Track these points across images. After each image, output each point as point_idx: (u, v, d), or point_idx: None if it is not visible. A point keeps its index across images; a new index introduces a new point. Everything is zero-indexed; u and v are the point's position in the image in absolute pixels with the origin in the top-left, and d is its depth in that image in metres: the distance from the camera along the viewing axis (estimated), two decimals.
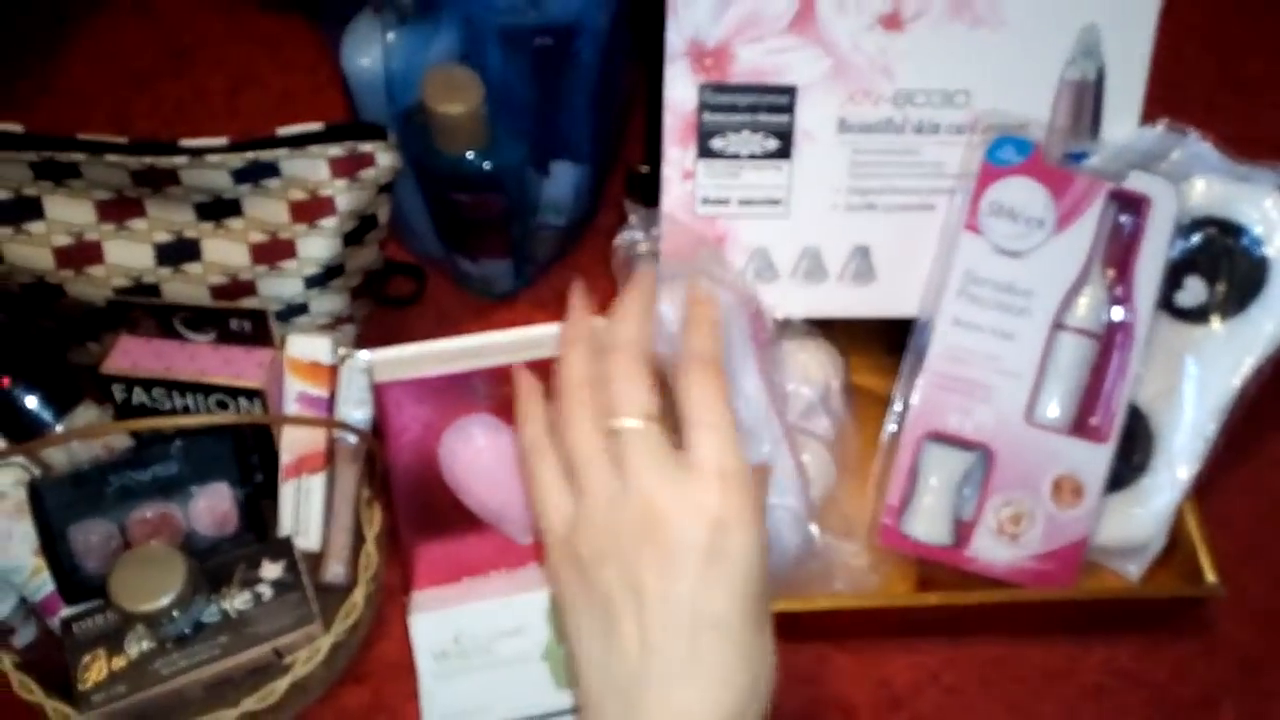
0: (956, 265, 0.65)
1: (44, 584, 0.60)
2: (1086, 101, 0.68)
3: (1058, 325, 0.65)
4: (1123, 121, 0.68)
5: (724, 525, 0.44)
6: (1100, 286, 0.65)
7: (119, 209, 0.62)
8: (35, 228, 0.61)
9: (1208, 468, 0.66)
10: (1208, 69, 0.94)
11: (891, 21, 0.66)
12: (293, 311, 0.66)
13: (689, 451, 0.46)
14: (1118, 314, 0.65)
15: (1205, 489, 0.71)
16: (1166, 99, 0.91)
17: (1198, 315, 0.66)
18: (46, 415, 0.62)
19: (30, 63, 0.87)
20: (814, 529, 0.63)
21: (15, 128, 0.60)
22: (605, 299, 0.77)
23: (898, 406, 0.67)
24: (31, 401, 0.62)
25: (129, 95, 0.86)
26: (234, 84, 0.87)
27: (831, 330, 0.71)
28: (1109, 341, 0.65)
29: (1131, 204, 0.65)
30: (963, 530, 0.65)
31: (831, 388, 0.69)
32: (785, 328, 0.69)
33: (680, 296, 0.62)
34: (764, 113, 0.67)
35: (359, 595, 0.62)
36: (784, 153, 0.68)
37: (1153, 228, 0.64)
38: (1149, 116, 0.68)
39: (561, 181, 0.73)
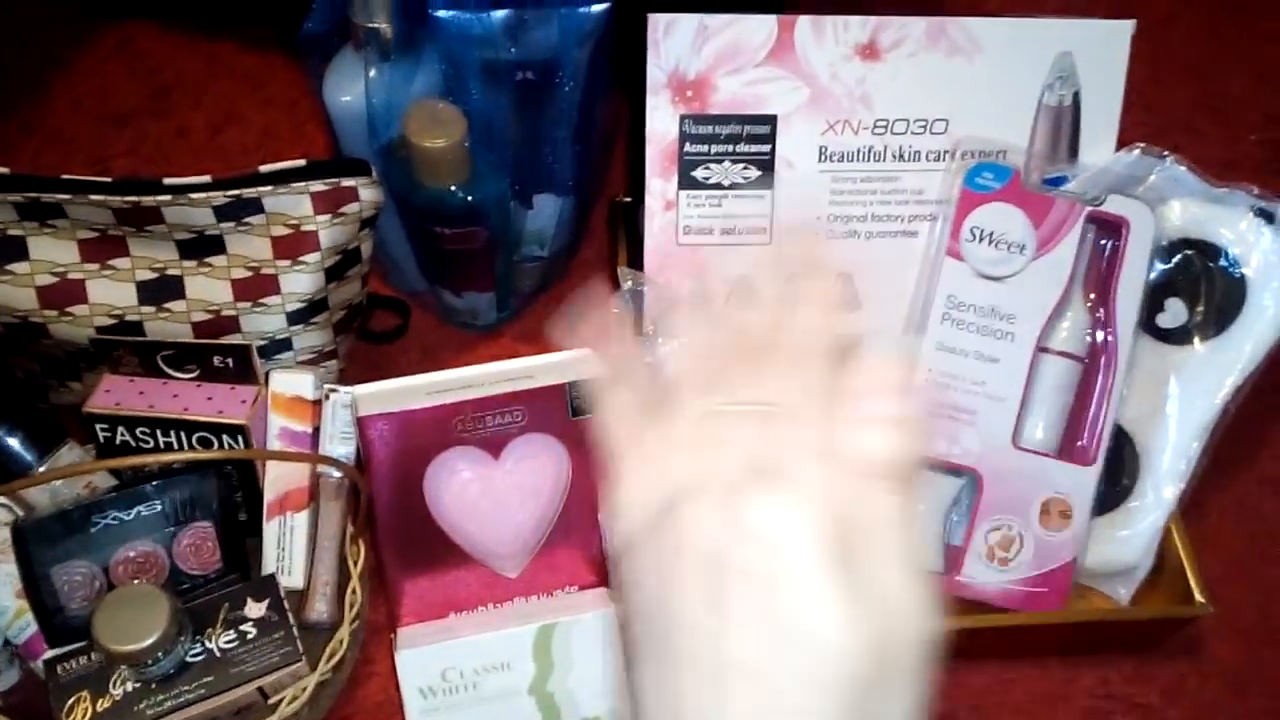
0: (939, 290, 0.65)
1: (27, 626, 0.59)
2: (1064, 127, 0.69)
3: (1041, 348, 0.65)
4: (1100, 146, 0.69)
5: None
6: (1082, 309, 0.65)
7: (102, 248, 0.62)
8: (19, 268, 0.61)
9: (1193, 488, 0.66)
10: (1187, 93, 0.95)
11: (869, 52, 0.67)
12: (276, 347, 0.66)
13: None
14: (1100, 336, 0.65)
15: (1192, 510, 0.71)
16: (1147, 123, 0.92)
17: (1179, 336, 0.66)
18: (29, 456, 0.62)
19: (13, 105, 0.87)
20: None
21: (1, 169, 0.60)
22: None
23: None
24: (13, 443, 0.61)
25: (111, 135, 0.86)
26: (215, 122, 0.87)
27: None
28: (1092, 364, 0.65)
29: (1110, 227, 0.65)
30: (953, 555, 0.65)
31: None
32: None
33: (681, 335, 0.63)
34: (745, 143, 0.68)
35: (344, 633, 0.61)
36: (765, 182, 0.68)
37: (1131, 250, 0.65)
38: (1128, 140, 0.69)
39: (544, 213, 0.73)
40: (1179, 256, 0.66)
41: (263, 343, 0.65)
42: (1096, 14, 0.68)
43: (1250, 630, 0.70)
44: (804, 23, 0.66)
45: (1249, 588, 0.72)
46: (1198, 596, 0.65)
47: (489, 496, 0.61)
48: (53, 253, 0.61)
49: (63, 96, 0.88)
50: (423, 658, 0.59)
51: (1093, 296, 0.66)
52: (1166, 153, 0.68)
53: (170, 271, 0.63)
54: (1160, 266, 0.66)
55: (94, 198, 0.59)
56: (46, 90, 0.88)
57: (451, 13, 0.62)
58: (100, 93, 0.88)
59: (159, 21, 0.91)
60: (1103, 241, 0.66)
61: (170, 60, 0.90)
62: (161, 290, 0.63)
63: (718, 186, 0.68)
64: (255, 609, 0.60)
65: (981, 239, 0.65)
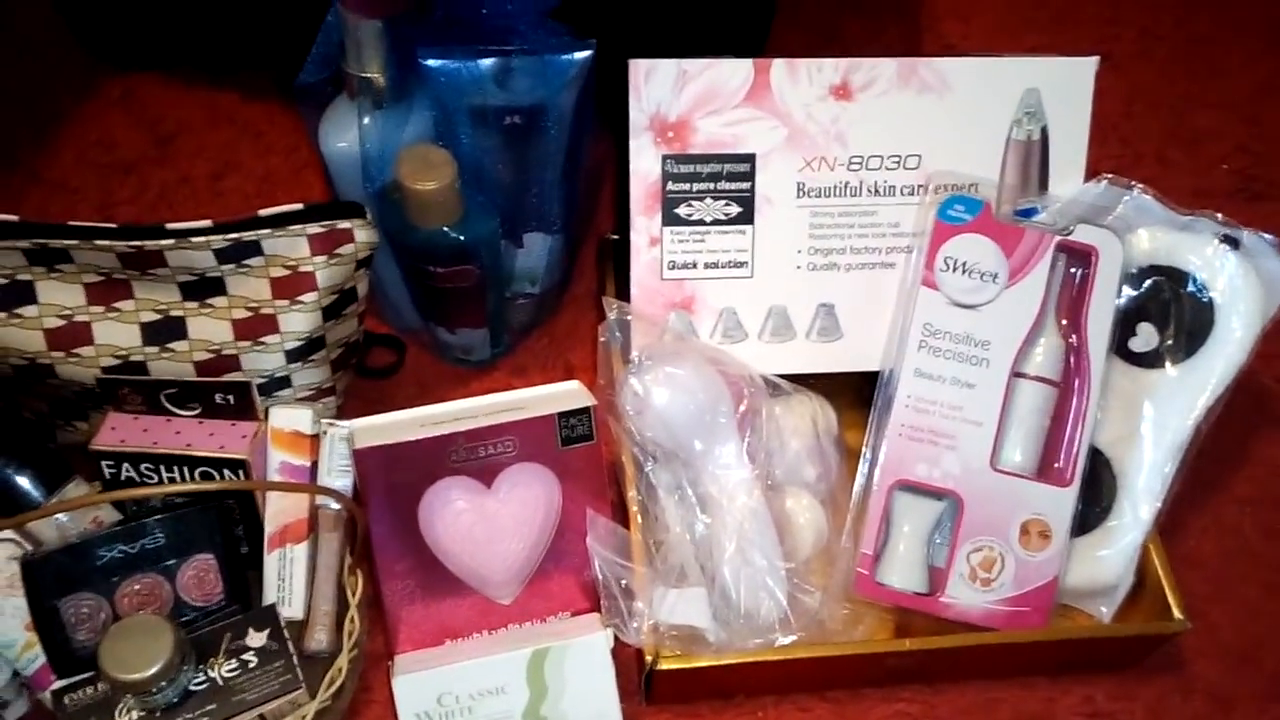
0: (916, 319, 0.68)
1: (36, 658, 0.61)
2: (1033, 160, 0.71)
3: (1016, 374, 0.67)
4: (1069, 177, 0.72)
5: None
6: (1055, 335, 0.68)
7: (108, 291, 0.65)
8: (28, 311, 0.64)
9: (1172, 508, 0.68)
10: (1159, 125, 0.98)
11: (842, 92, 0.69)
12: (275, 384, 0.68)
13: None
14: (1073, 361, 0.67)
15: (1173, 530, 0.73)
16: (1121, 155, 0.96)
17: (1152, 360, 0.68)
18: (37, 494, 0.64)
19: (21, 155, 0.90)
20: (781, 596, 0.64)
21: (10, 218, 0.62)
22: (581, 363, 0.81)
23: (867, 457, 0.69)
24: (22, 480, 0.63)
25: (115, 183, 0.89)
26: (216, 169, 0.90)
27: (812, 388, 0.73)
28: (1066, 387, 0.68)
29: (1080, 255, 0.68)
30: (937, 577, 0.67)
31: (820, 439, 0.71)
32: (774, 388, 0.71)
33: (668, 377, 0.65)
34: (725, 181, 0.70)
35: (343, 661, 0.63)
36: (746, 218, 0.71)
37: (1101, 277, 0.67)
38: (1103, 171, 0.71)
39: (535, 252, 0.75)
40: (1149, 283, 0.69)
41: (262, 380, 0.68)
42: (1070, 51, 0.71)
43: (1231, 647, 0.72)
44: (779, 65, 0.69)
45: (1229, 605, 0.73)
46: (1176, 614, 0.66)
47: (483, 525, 0.63)
48: (60, 296, 0.64)
49: (69, 147, 0.91)
50: (419, 683, 0.60)
51: (1065, 322, 0.68)
52: (1133, 183, 0.70)
53: (173, 313, 0.65)
54: (1131, 293, 0.68)
55: (99, 243, 0.62)
56: (53, 141, 0.91)
57: (441, 61, 0.65)
58: (105, 143, 0.91)
59: (162, 73, 0.94)
60: (1073, 269, 0.68)
61: (172, 110, 0.93)
62: (165, 331, 0.65)
63: (700, 223, 0.71)
64: (256, 638, 0.61)
65: (955, 269, 0.67)
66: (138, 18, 0.90)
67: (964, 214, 0.68)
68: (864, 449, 0.69)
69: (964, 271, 0.67)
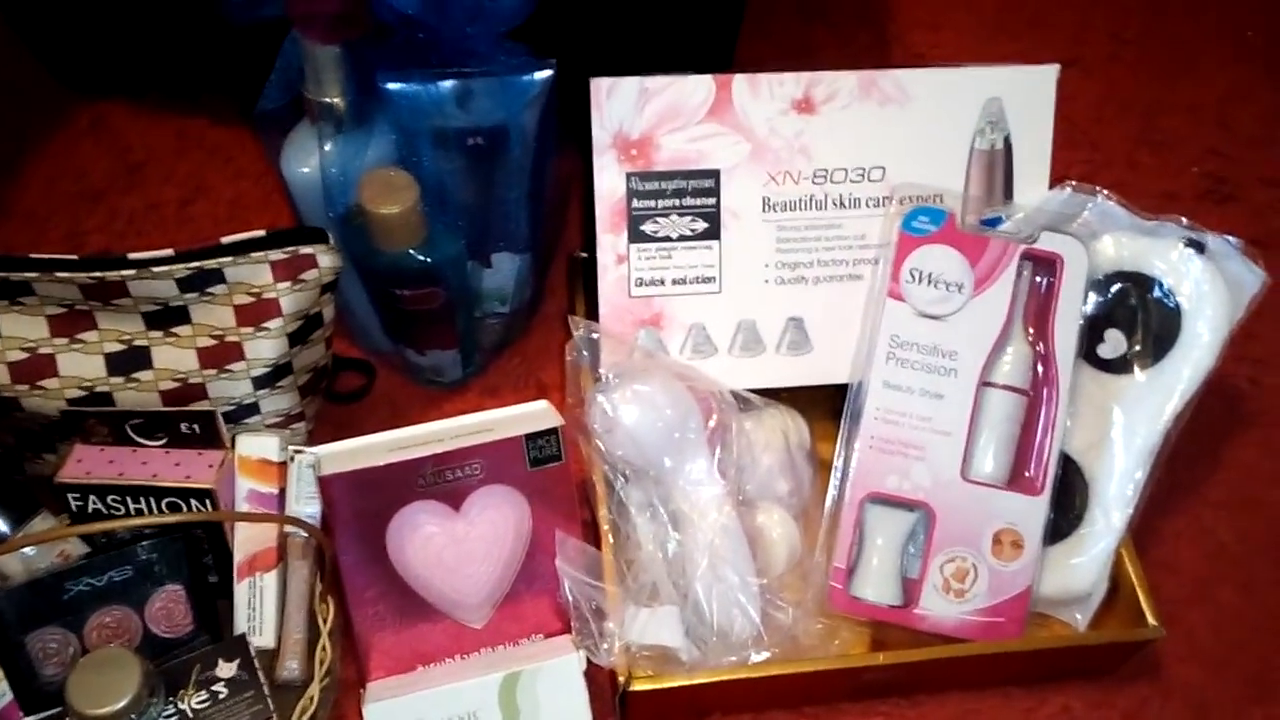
0: (883, 331, 0.68)
1: (3, 694, 0.60)
2: (997, 169, 0.72)
3: (985, 383, 0.67)
4: (1033, 185, 0.72)
5: None
6: (1022, 343, 0.68)
7: (71, 322, 0.64)
8: None
9: (1147, 513, 0.68)
10: (1129, 129, 0.98)
11: (804, 105, 0.70)
12: (244, 412, 0.68)
13: None
14: (1041, 369, 0.67)
15: (1149, 535, 0.73)
16: (1091, 160, 0.96)
17: (1120, 366, 0.68)
18: (3, 527, 0.63)
19: None
20: (754, 612, 0.63)
21: None
22: (553, 382, 0.80)
23: (838, 470, 0.68)
24: None
25: (84, 212, 0.88)
26: (185, 194, 0.90)
27: (785, 401, 0.73)
28: (1035, 395, 0.68)
29: (1045, 263, 0.68)
30: (911, 589, 0.67)
31: (793, 453, 0.71)
32: (745, 403, 0.70)
33: (636, 394, 0.65)
34: (690, 196, 0.70)
35: (315, 690, 0.62)
36: (712, 233, 0.71)
37: (1066, 284, 0.67)
38: (1073, 176, 0.71)
39: (503, 271, 0.75)
40: (1115, 289, 0.69)
41: (230, 408, 0.67)
42: (1040, 57, 0.71)
43: (1209, 651, 0.71)
44: (740, 81, 0.69)
45: (1206, 609, 0.73)
46: (1150, 620, 0.66)
47: (452, 549, 0.63)
48: (23, 329, 0.64)
49: (37, 176, 0.91)
50: (390, 711, 0.60)
51: (1032, 331, 0.68)
52: (1098, 189, 0.70)
53: (137, 342, 0.65)
54: (1098, 299, 0.68)
55: (60, 275, 0.62)
56: (21, 171, 0.91)
57: (401, 85, 0.65)
58: (73, 171, 0.91)
59: (130, 99, 0.94)
60: (1038, 277, 0.68)
61: (141, 137, 0.93)
62: (130, 361, 0.65)
63: (666, 239, 0.71)
64: (226, 669, 0.61)
65: (921, 280, 0.68)
66: (105, 44, 0.89)
67: (928, 225, 0.68)
68: (835, 462, 0.69)
69: (930, 282, 0.67)
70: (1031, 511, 0.66)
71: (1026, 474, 0.67)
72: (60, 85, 0.94)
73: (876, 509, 0.67)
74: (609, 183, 0.70)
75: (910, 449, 0.67)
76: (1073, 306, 0.67)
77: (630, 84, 0.68)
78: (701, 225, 0.71)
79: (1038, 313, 0.68)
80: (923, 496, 0.66)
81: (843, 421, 0.69)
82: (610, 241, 0.70)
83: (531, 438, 0.63)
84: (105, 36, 0.88)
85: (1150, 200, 0.70)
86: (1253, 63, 1.03)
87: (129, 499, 0.64)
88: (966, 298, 0.67)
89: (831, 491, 0.69)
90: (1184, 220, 0.69)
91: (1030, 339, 0.68)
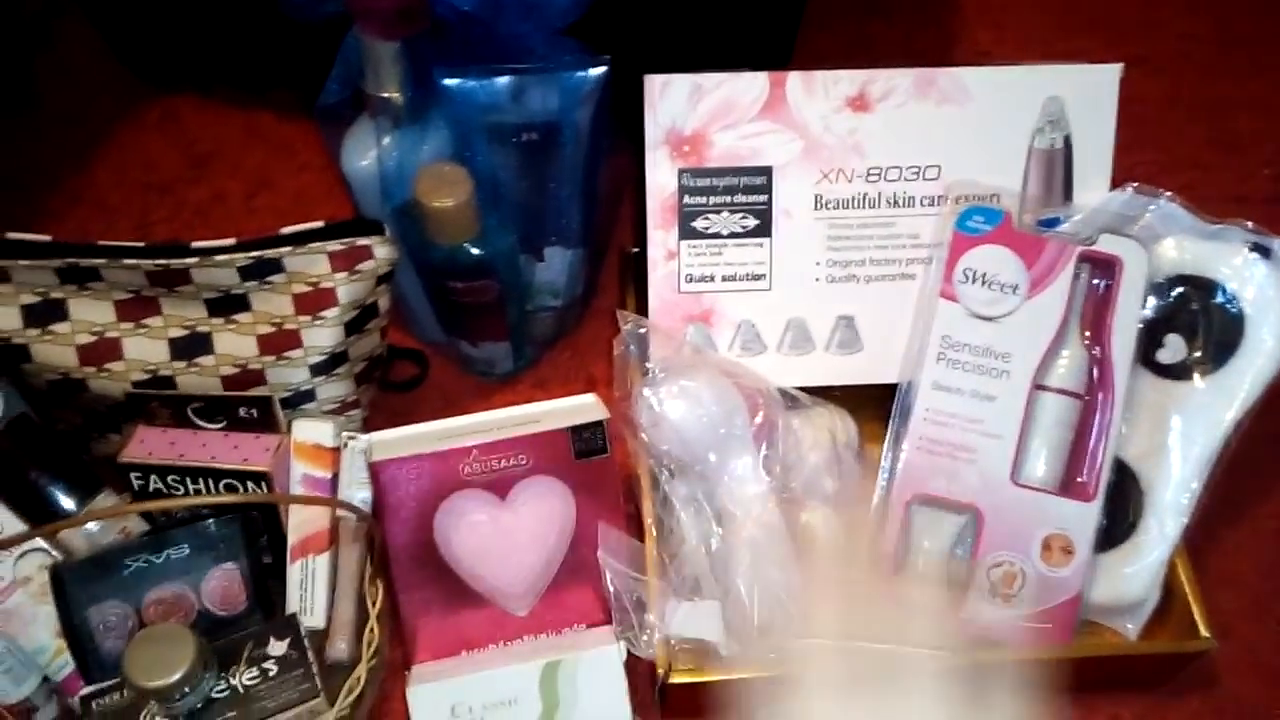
0: (934, 332, 0.67)
1: (65, 664, 0.63)
2: (1056, 169, 0.71)
3: (1038, 386, 0.66)
4: (1094, 186, 0.71)
5: None
6: (1078, 346, 0.67)
7: (137, 308, 0.67)
8: (60, 328, 0.66)
9: (1206, 523, 0.66)
10: (1198, 129, 0.96)
11: (859, 103, 0.69)
12: (300, 398, 0.70)
13: None
14: (1097, 373, 0.66)
15: (1208, 545, 0.71)
16: (1157, 160, 0.94)
17: (1179, 372, 0.67)
18: (70, 504, 0.66)
19: (62, 176, 0.93)
20: (794, 609, 0.63)
21: (43, 238, 0.65)
22: (603, 376, 0.81)
23: (884, 471, 0.68)
24: (55, 491, 0.66)
25: (152, 202, 0.91)
26: (250, 187, 0.92)
27: (835, 400, 0.72)
28: (1090, 400, 0.66)
29: (1103, 266, 0.66)
30: (957, 592, 0.66)
31: (840, 452, 0.71)
32: (792, 399, 0.70)
33: (682, 389, 0.65)
34: (742, 194, 0.70)
35: (362, 670, 0.64)
36: (763, 230, 0.71)
37: (1125, 287, 0.66)
38: (1138, 178, 0.70)
39: (555, 265, 0.76)
40: (1176, 293, 0.67)
41: (287, 394, 0.69)
42: (1105, 56, 0.70)
43: (1266, 666, 0.70)
44: (794, 79, 0.69)
45: (1265, 623, 0.71)
46: (1203, 631, 0.65)
47: (497, 538, 0.64)
48: (91, 313, 0.66)
49: (108, 167, 0.94)
50: (433, 694, 0.61)
51: (1088, 334, 0.67)
52: (1160, 191, 0.69)
53: (200, 329, 0.67)
54: (1158, 303, 0.67)
55: (127, 262, 0.64)
56: (93, 162, 0.94)
57: (458, 81, 0.66)
58: (142, 163, 0.94)
59: (198, 94, 0.97)
60: (1096, 280, 0.67)
61: (209, 131, 0.95)
62: (192, 346, 0.67)
63: (717, 236, 0.71)
64: (277, 647, 0.63)
65: (974, 280, 0.67)
66: (175, 38, 0.92)
67: (983, 225, 0.67)
68: (882, 462, 0.68)
69: (984, 283, 0.67)
70: (1083, 517, 0.65)
71: (1079, 479, 0.66)
72: (131, 79, 0.97)
73: (924, 511, 0.67)
74: (661, 179, 0.70)
75: (959, 451, 0.66)
76: (1131, 310, 0.66)
77: (684, 81, 0.68)
78: (752, 222, 0.71)
79: (1094, 316, 0.67)
80: (971, 499, 0.66)
81: (891, 422, 0.69)
82: (661, 237, 0.71)
83: (577, 430, 0.64)
84: (175, 31, 0.91)
85: (1219, 203, 0.68)
86: None
87: (188, 479, 0.66)
88: (1021, 299, 0.66)
89: (878, 491, 0.68)
90: (1249, 224, 0.67)
91: (1086, 342, 0.67)
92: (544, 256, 0.75)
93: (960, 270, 0.67)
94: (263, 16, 0.83)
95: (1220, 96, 0.98)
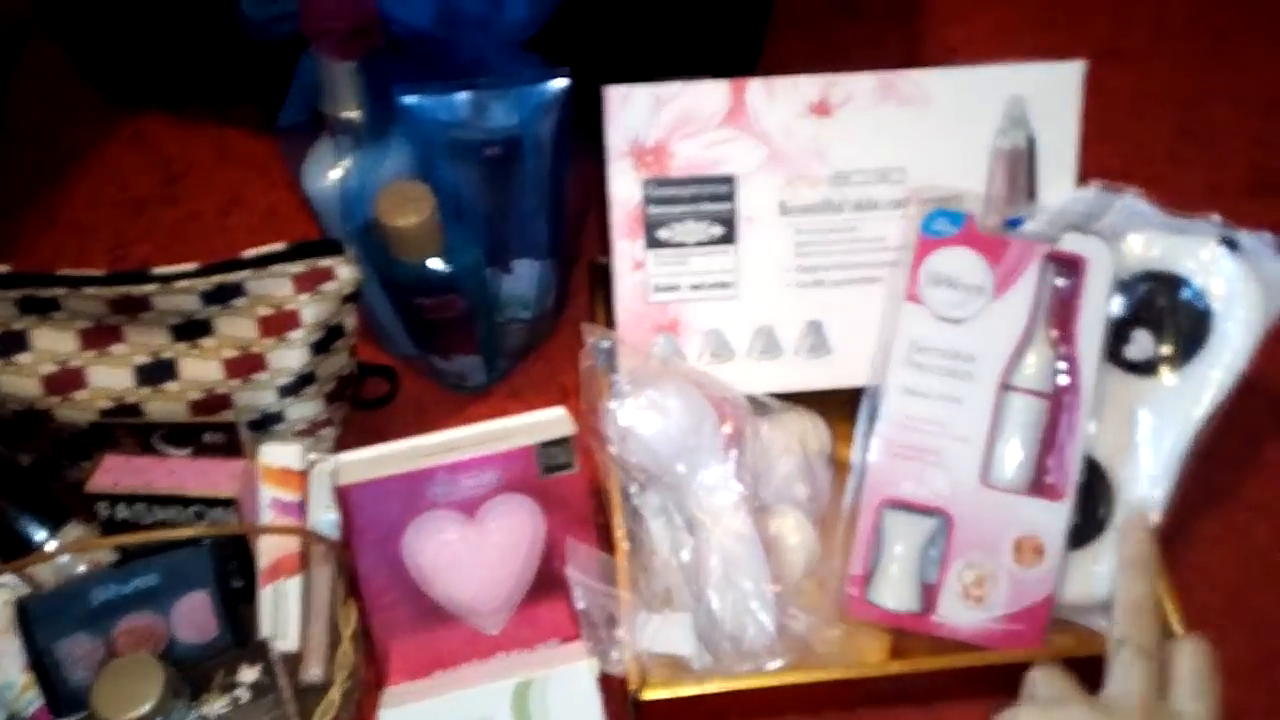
0: (901, 335, 0.67)
1: (34, 699, 0.62)
2: (1020, 169, 0.70)
3: (1006, 386, 0.66)
4: (1059, 185, 0.71)
5: None
6: (1046, 346, 0.66)
7: (100, 336, 0.66)
8: (23, 359, 0.65)
9: (1181, 517, 0.66)
10: (1169, 122, 0.96)
11: (821, 108, 0.69)
12: (270, 420, 0.69)
13: None
14: (1065, 372, 0.66)
15: (1183, 539, 0.71)
16: (1131, 153, 0.94)
17: (1147, 368, 0.67)
18: (39, 535, 0.66)
19: (36, 198, 0.93)
20: (768, 619, 0.63)
21: (1, 269, 0.64)
22: (576, 386, 0.81)
23: (854, 475, 0.68)
24: (23, 523, 0.65)
25: (127, 223, 0.91)
26: (224, 205, 0.92)
27: (807, 405, 0.72)
28: (1058, 400, 0.66)
29: (1068, 265, 0.66)
30: (929, 595, 0.66)
31: (811, 457, 0.71)
32: (762, 406, 0.70)
33: (649, 400, 0.65)
34: (706, 202, 0.70)
35: (335, 694, 0.63)
36: (729, 238, 0.71)
37: (1091, 286, 0.66)
38: (1113, 170, 0.70)
39: (524, 278, 0.76)
40: (1144, 288, 0.67)
41: (257, 417, 0.69)
42: (1076, 50, 0.70)
43: (1244, 661, 0.69)
44: (755, 86, 0.68)
45: (1242, 618, 0.71)
46: (1177, 630, 0.65)
47: (467, 557, 0.64)
48: (53, 343, 0.66)
49: (82, 188, 0.93)
50: (404, 717, 0.61)
51: (1055, 334, 0.66)
52: (1125, 188, 0.69)
53: (164, 355, 0.67)
54: (1125, 299, 0.67)
55: (87, 291, 0.64)
56: (66, 182, 0.94)
57: (417, 98, 0.66)
58: (116, 183, 0.93)
59: (170, 112, 0.96)
60: (1062, 279, 0.67)
61: (182, 149, 0.95)
62: (157, 373, 0.67)
63: (683, 245, 0.71)
64: (248, 674, 0.62)
65: (940, 283, 0.67)
66: (143, 57, 0.92)
67: (948, 227, 0.67)
68: (850, 467, 0.68)
69: (949, 286, 0.66)
70: (1053, 518, 0.65)
71: (1048, 480, 0.66)
72: (103, 98, 0.96)
73: (894, 515, 0.66)
74: (624, 189, 0.70)
75: (928, 454, 0.66)
76: (1097, 308, 0.65)
77: (644, 92, 0.68)
78: (718, 230, 0.71)
79: (1061, 315, 0.66)
80: (941, 503, 0.66)
81: (857, 426, 0.68)
82: (626, 248, 0.71)
83: (544, 446, 0.64)
84: (143, 49, 0.91)
85: (1192, 195, 0.68)
86: None
87: (156, 507, 0.66)
88: (987, 301, 0.66)
89: (848, 496, 0.68)
90: (1216, 218, 0.67)
91: (1053, 342, 0.66)
92: (512, 269, 0.75)
93: (925, 273, 0.67)
94: (227, 34, 0.82)
95: (1191, 89, 0.98)
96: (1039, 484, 0.66)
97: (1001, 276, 0.66)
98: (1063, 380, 0.66)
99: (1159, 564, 0.66)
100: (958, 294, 0.66)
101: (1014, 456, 0.66)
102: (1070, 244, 0.66)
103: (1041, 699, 0.57)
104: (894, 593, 0.66)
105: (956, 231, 0.67)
